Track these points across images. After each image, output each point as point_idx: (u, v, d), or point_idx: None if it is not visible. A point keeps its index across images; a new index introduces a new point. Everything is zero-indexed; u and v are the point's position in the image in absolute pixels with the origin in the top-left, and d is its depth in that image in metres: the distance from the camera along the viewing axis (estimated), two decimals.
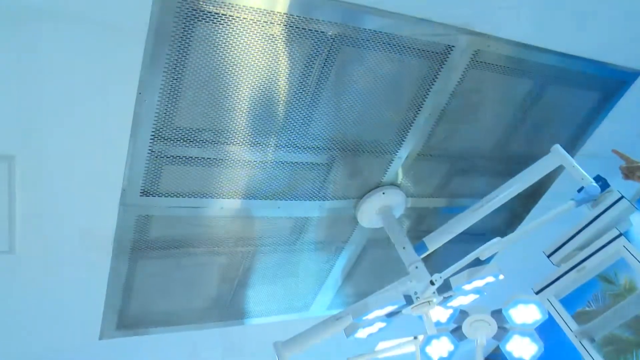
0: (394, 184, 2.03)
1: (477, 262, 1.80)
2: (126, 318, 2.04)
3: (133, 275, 1.88)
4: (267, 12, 1.31)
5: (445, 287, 1.77)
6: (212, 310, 2.26)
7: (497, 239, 1.62)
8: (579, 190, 1.62)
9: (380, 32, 1.46)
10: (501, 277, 1.72)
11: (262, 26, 1.33)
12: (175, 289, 2.05)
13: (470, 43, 1.60)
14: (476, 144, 2.03)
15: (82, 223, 1.61)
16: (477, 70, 1.70)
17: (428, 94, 1.72)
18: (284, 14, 1.32)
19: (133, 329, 2.11)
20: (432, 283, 1.61)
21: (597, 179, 1.91)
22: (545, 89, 1.89)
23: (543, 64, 1.78)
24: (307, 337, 1.98)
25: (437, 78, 1.67)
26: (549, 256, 1.89)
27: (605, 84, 2.00)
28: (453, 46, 1.59)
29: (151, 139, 1.47)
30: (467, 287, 1.74)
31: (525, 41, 1.67)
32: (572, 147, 2.16)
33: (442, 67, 1.65)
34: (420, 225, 2.36)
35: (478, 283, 1.72)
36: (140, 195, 1.61)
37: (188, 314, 2.20)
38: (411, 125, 1.80)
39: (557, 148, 1.68)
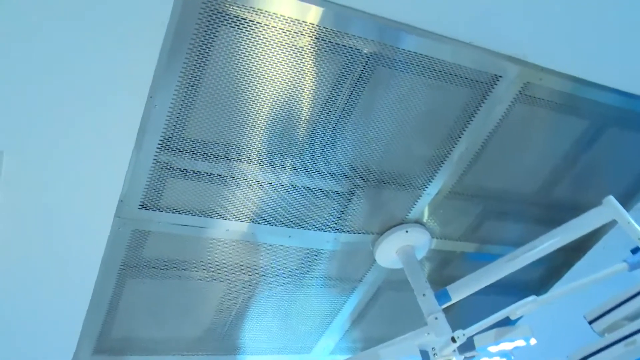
0: (419, 222, 1.98)
1: (507, 321, 1.72)
2: (106, 342, 1.99)
3: (120, 295, 1.83)
4: (297, 22, 1.28)
5: (468, 346, 1.69)
6: (205, 341, 2.20)
7: (532, 298, 1.54)
8: (634, 251, 1.53)
9: (420, 54, 1.43)
10: (533, 341, 1.63)
11: (291, 36, 1.31)
12: (165, 315, 2.00)
13: (520, 74, 1.55)
14: (516, 186, 1.96)
15: (70, 232, 1.58)
16: (525, 104, 1.65)
17: (467, 127, 1.67)
18: (316, 25, 1.30)
19: (112, 355, 2.05)
20: (453, 340, 1.53)
21: None
22: (603, 131, 1.82)
23: (601, 102, 1.72)
24: None
25: (478, 110, 1.63)
26: (590, 322, 1.78)
27: None
28: (500, 76, 1.54)
29: (158, 148, 1.44)
30: (493, 348, 1.65)
31: (582, 76, 1.62)
32: (628, 200, 2.07)
33: (485, 98, 1.60)
34: (444, 270, 2.29)
35: (506, 345, 1.63)
36: (139, 208, 1.58)
37: (177, 343, 2.14)
38: (445, 160, 1.75)
39: (611, 200, 1.61)
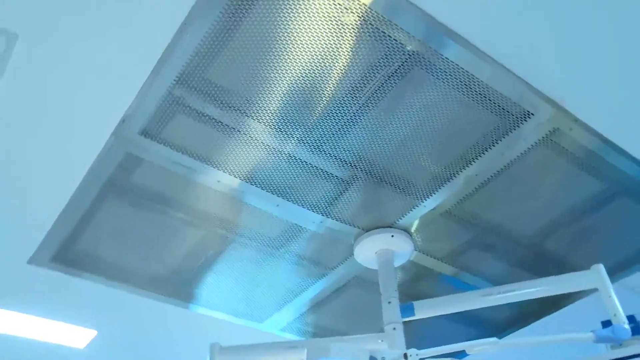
0: (407, 231, 1.98)
1: (462, 353, 1.74)
2: (68, 252, 2.01)
3: (95, 211, 1.84)
4: None
5: None
6: (164, 281, 2.23)
7: (494, 340, 1.56)
8: (605, 324, 1.54)
9: (460, 66, 1.42)
10: None
11: (339, 10, 1.29)
12: (134, 244, 2.01)
13: (552, 117, 1.54)
14: (513, 225, 1.96)
15: (64, 133, 1.58)
16: (547, 149, 1.65)
17: (484, 154, 1.66)
18: (366, 5, 1.28)
19: (70, 267, 2.07)
20: (405, 357, 1.55)
21: (631, 319, 1.83)
22: (614, 198, 1.83)
23: (621, 170, 1.71)
24: (249, 353, 1.93)
25: (500, 140, 1.62)
26: None
27: None
28: (532, 114, 1.53)
29: (175, 79, 1.43)
30: None
31: (611, 138, 1.61)
32: (616, 272, 2.09)
33: (511, 131, 1.59)
34: (415, 285, 2.31)
35: None
36: (139, 134, 1.57)
37: (136, 276, 2.16)
38: (451, 179, 1.75)
39: (599, 268, 1.62)
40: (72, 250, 2.00)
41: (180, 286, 2.27)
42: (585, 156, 1.67)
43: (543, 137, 1.61)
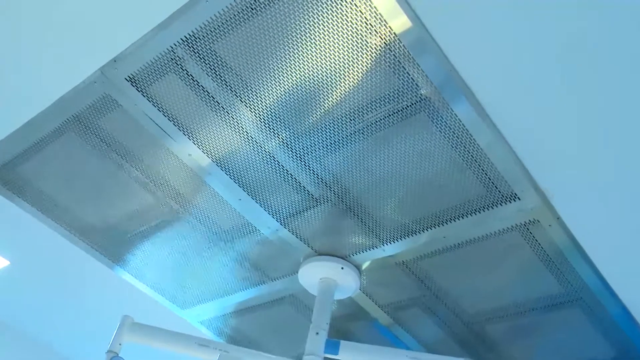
0: (357, 268, 1.96)
1: None
2: (6, 172, 1.90)
3: (51, 141, 1.75)
4: (381, 20, 1.24)
5: None
6: (98, 234, 2.14)
7: None
8: None
9: (464, 125, 1.40)
10: None
11: (366, 29, 1.27)
12: (79, 187, 1.93)
13: (536, 208, 1.54)
14: (462, 298, 1.96)
15: (47, 52, 1.50)
16: (520, 236, 1.65)
17: (457, 220, 1.65)
18: (395, 34, 1.26)
19: (4, 186, 1.97)
20: None
21: None
22: (568, 305, 1.84)
23: (584, 280, 1.73)
24: (159, 337, 1.87)
25: (478, 212, 1.62)
26: None
27: (629, 348, 1.95)
28: (519, 198, 1.53)
29: (182, 39, 1.37)
30: None
31: (586, 249, 1.63)
32: None
33: (491, 207, 1.59)
34: (348, 323, 2.28)
35: None
36: (126, 79, 1.51)
37: (71, 218, 2.07)
38: (418, 233, 1.74)
39: None
40: (13, 171, 1.90)
41: (112, 244, 2.19)
42: (554, 255, 1.68)
43: (521, 224, 1.61)
